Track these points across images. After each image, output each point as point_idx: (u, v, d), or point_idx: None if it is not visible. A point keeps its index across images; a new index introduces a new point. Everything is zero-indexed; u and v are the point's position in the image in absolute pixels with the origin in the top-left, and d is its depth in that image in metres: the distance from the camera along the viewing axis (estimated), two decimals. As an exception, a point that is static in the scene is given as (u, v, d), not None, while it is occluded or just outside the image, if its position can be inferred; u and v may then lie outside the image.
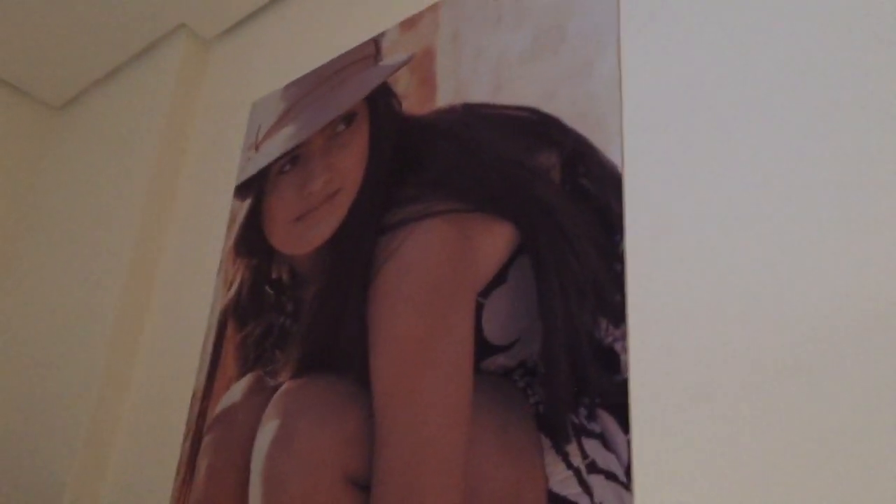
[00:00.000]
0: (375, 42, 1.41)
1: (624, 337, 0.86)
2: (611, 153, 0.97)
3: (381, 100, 1.32)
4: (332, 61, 1.48)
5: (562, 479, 0.85)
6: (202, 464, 1.28)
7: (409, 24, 1.36)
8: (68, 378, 1.60)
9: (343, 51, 1.48)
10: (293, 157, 1.42)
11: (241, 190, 1.51)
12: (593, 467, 0.83)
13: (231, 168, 1.61)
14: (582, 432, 0.85)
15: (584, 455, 0.84)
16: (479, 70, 1.19)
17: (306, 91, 1.49)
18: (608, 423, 0.84)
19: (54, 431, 1.54)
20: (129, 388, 1.56)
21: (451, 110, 1.20)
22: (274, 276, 1.35)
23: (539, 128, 1.06)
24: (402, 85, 1.30)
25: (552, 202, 1.00)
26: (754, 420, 0.74)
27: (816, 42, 0.85)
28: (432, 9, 1.33)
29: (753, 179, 0.84)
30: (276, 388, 1.22)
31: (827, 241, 0.76)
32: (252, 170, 1.51)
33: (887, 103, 0.77)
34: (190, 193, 1.70)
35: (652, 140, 0.94)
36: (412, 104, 1.26)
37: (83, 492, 1.45)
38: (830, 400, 0.71)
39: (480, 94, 1.17)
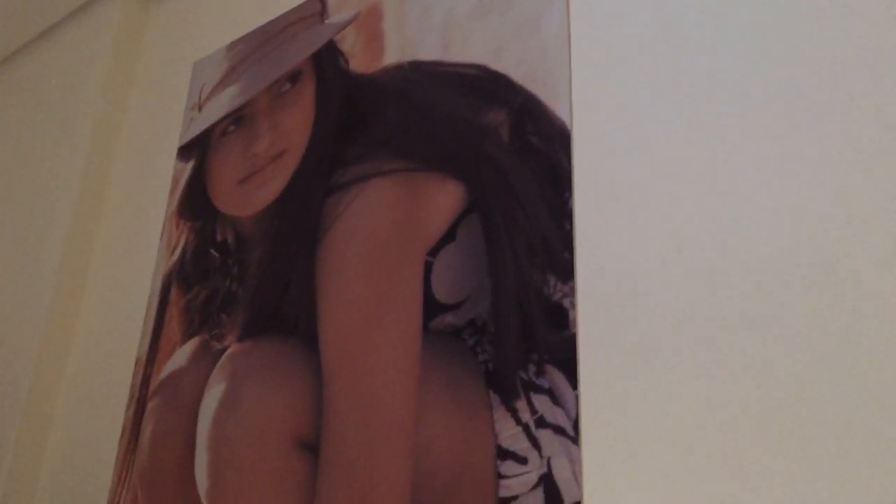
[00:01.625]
0: (321, 0, 1.38)
1: (572, 293, 0.86)
2: (559, 110, 0.96)
3: (328, 58, 1.29)
4: (277, 19, 1.44)
5: (511, 435, 0.85)
6: (146, 430, 1.26)
7: (356, -20, 1.33)
8: (6, 347, 1.55)
9: (288, 8, 1.45)
10: (237, 118, 1.39)
11: (184, 151, 1.48)
12: (542, 422, 0.83)
13: (173, 129, 1.56)
14: (531, 388, 0.85)
15: (533, 410, 0.84)
16: (426, 27, 1.17)
17: (250, 50, 1.45)
18: (557, 378, 0.84)
19: (-8, 401, 1.50)
20: (70, 356, 1.52)
21: (398, 68, 1.18)
22: (219, 238, 1.32)
23: (487, 85, 1.05)
24: (349, 43, 1.27)
25: (501, 160, 0.99)
26: (700, 374, 0.75)
27: (763, -3, 0.85)
28: (379, -35, 1.30)
29: (702, 135, 0.84)
30: (222, 352, 1.20)
31: (774, 196, 0.77)
32: (195, 131, 1.47)
33: (826, 62, 0.78)
34: (131, 156, 1.65)
35: (600, 96, 0.93)
36: (359, 62, 1.24)
37: (24, 463, 1.42)
38: (778, 353, 0.72)
39: (428, 51, 1.15)
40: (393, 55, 1.20)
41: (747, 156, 0.80)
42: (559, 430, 0.81)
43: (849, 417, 0.67)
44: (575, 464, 0.79)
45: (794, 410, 0.69)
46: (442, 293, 0.97)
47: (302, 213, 1.19)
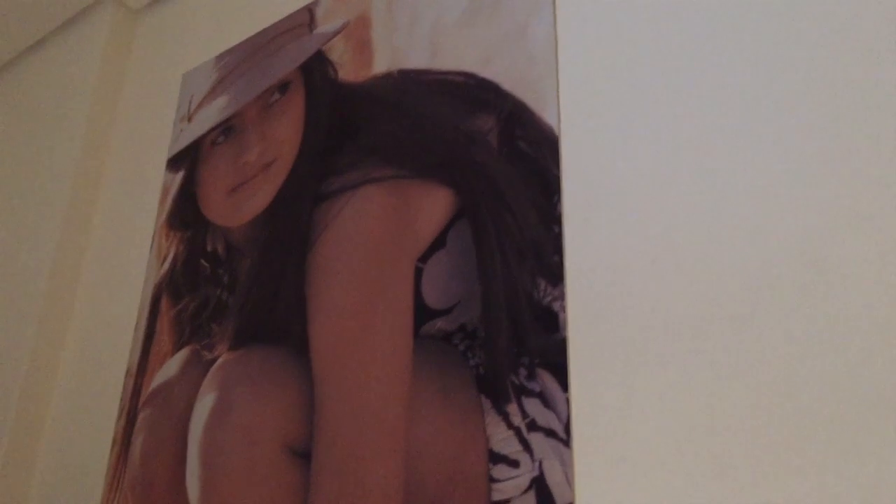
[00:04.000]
0: (309, 10, 1.38)
1: (562, 296, 0.87)
2: (547, 116, 0.97)
3: (316, 68, 1.30)
4: (266, 30, 1.44)
5: (503, 439, 0.85)
6: (137, 441, 1.25)
7: (344, -10, 1.34)
8: (-5, 359, 1.54)
9: (276, 19, 1.45)
10: (227, 128, 1.39)
11: (174, 162, 1.48)
12: (533, 425, 0.83)
13: (163, 140, 1.56)
14: (522, 392, 0.85)
15: (525, 414, 0.84)
16: (414, 36, 1.18)
17: (239, 61, 1.46)
18: (547, 381, 0.84)
19: (-19, 414, 1.49)
20: (60, 368, 1.51)
21: (387, 77, 1.19)
22: (209, 248, 1.32)
23: (476, 92, 1.06)
24: (338, 52, 1.28)
25: (490, 166, 0.99)
26: (691, 375, 0.76)
27: (757, 1, 0.86)
28: (367, -25, 1.31)
29: (688, 138, 0.85)
30: (212, 362, 1.20)
31: (761, 196, 0.78)
32: (184, 141, 1.47)
33: (811, 66, 0.79)
34: (120, 167, 1.65)
35: (588, 102, 0.94)
36: (348, 72, 1.25)
37: (14, 475, 1.41)
38: (767, 353, 0.72)
39: (417, 60, 1.16)
40: (382, 64, 1.20)
41: (734, 158, 0.81)
42: (550, 434, 0.82)
43: (840, 416, 0.67)
44: (566, 466, 0.79)
45: (785, 410, 0.70)
46: (432, 299, 0.97)
47: (292, 222, 1.19)
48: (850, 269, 0.70)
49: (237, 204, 1.30)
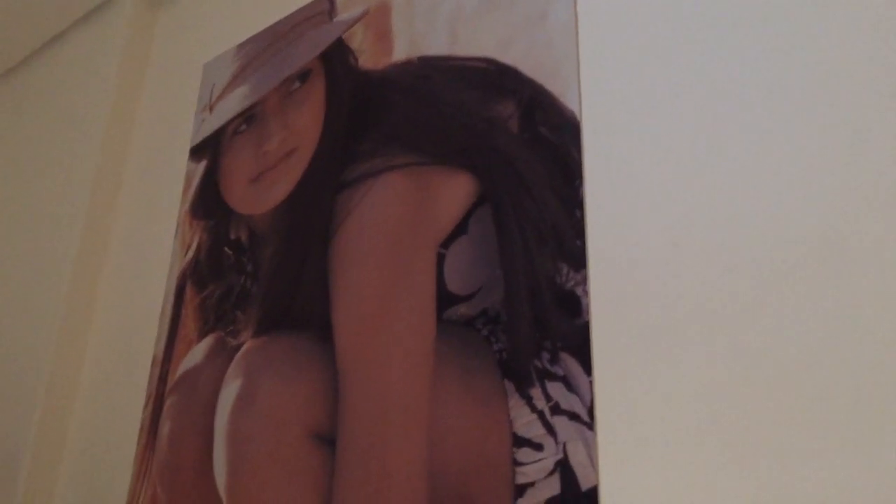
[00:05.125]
0: (329, -2, 1.39)
1: (585, 281, 0.87)
2: (568, 100, 0.97)
3: (337, 56, 1.30)
4: (286, 18, 1.45)
5: (526, 422, 0.85)
6: (164, 428, 1.27)
7: (363, -22, 1.34)
8: (23, 348, 1.57)
9: (296, 8, 1.46)
10: (248, 117, 1.40)
11: (196, 152, 1.49)
12: (557, 409, 0.84)
13: (185, 130, 1.58)
14: (545, 376, 0.86)
15: (548, 398, 0.85)
16: (434, 23, 1.18)
17: (259, 50, 1.46)
18: (571, 365, 0.84)
19: (10, 403, 1.52)
20: (86, 357, 1.53)
21: (407, 64, 1.19)
22: (232, 237, 1.33)
23: (496, 78, 1.06)
24: (358, 40, 1.28)
25: (511, 151, 1.00)
26: (713, 357, 0.76)
27: (769, -17, 0.85)
28: (386, -38, 1.31)
29: (710, 123, 0.84)
30: (237, 349, 1.21)
31: (782, 184, 0.77)
32: (207, 131, 1.48)
33: (839, 52, 0.78)
34: (143, 158, 1.67)
35: (609, 86, 0.94)
36: (368, 59, 1.25)
37: (43, 462, 1.43)
38: (788, 334, 0.72)
39: (436, 46, 1.16)
40: (402, 51, 1.21)
41: (756, 143, 0.80)
42: (574, 417, 0.82)
43: (860, 400, 0.67)
44: (590, 449, 0.80)
45: (807, 394, 0.70)
46: (455, 284, 0.98)
47: (314, 210, 1.20)
48: (871, 256, 0.70)
49: (259, 192, 1.31)
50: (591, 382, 0.82)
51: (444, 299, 0.98)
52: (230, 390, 1.18)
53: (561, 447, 0.82)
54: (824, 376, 0.69)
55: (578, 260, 0.88)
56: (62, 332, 1.52)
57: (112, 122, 1.70)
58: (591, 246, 0.88)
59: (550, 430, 0.83)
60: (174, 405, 1.27)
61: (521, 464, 0.84)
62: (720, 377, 0.75)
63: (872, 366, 0.67)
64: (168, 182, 1.55)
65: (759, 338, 0.74)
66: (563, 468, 0.81)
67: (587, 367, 0.83)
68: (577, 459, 0.80)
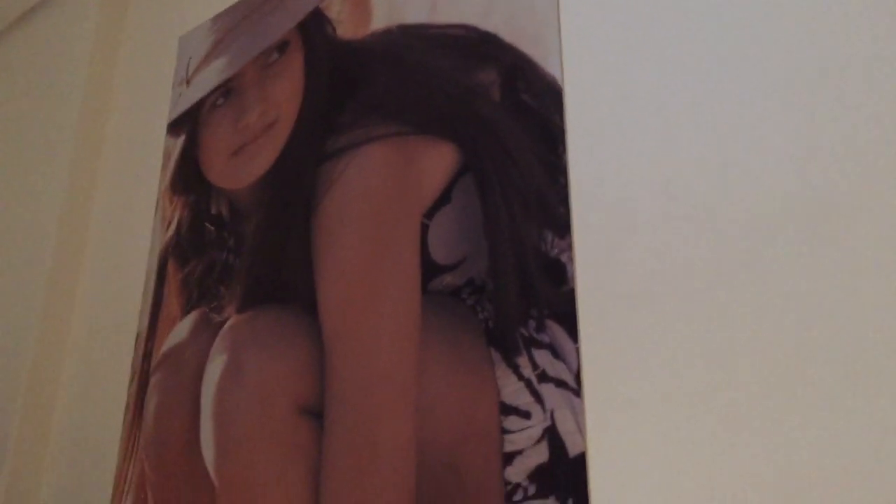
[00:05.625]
0: (305, -33, 1.36)
1: (569, 248, 0.86)
2: (550, 67, 0.96)
3: (314, 26, 1.28)
4: (262, -11, 1.43)
5: (513, 390, 0.85)
6: (151, 404, 1.26)
7: (340, -54, 1.32)
8: (6, 328, 1.55)
9: (272, -22, 1.43)
10: (226, 90, 1.38)
11: (174, 127, 1.47)
12: (544, 376, 0.84)
13: (162, 105, 1.55)
14: (532, 344, 0.86)
15: (535, 365, 0.85)
16: (413, -10, 1.16)
17: (236, 22, 1.44)
18: (557, 332, 0.84)
19: (-6, 383, 1.50)
20: (70, 335, 1.52)
21: (386, 32, 1.17)
22: (213, 211, 1.32)
23: (477, 45, 1.05)
24: (336, 10, 1.26)
25: (493, 119, 0.99)
26: (699, 322, 0.76)
27: (751, -57, 0.84)
28: (362, -71, 1.29)
29: (693, 86, 0.84)
30: (222, 324, 1.20)
31: (767, 138, 0.77)
32: (184, 105, 1.46)
33: (825, 9, 0.78)
34: (121, 134, 1.64)
35: (590, 51, 0.93)
36: (347, 29, 1.23)
37: (30, 441, 1.43)
38: (774, 297, 0.72)
39: (416, 14, 1.14)
40: (381, 20, 1.19)
41: (739, 102, 0.80)
42: (561, 384, 0.82)
43: (851, 361, 0.67)
44: (578, 416, 0.80)
45: (796, 356, 0.70)
46: (440, 254, 0.97)
47: (296, 182, 1.19)
48: (861, 211, 0.70)
49: (240, 166, 1.30)
50: (577, 349, 0.82)
51: (430, 269, 0.98)
52: (215, 365, 1.17)
53: (548, 414, 0.82)
54: (815, 336, 0.70)
55: (563, 227, 0.88)
56: (45, 313, 1.50)
57: (88, 98, 1.67)
58: (575, 213, 0.88)
59: (538, 398, 0.83)
60: (159, 382, 1.27)
61: (509, 432, 0.85)
62: (707, 340, 0.75)
63: (865, 323, 0.68)
64: (146, 158, 1.53)
65: (744, 302, 0.74)
66: (551, 435, 0.81)
67: (573, 335, 0.83)
68: (565, 426, 0.80)
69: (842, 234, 0.70)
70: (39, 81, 1.82)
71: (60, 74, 1.76)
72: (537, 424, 0.83)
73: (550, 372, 0.83)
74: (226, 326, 1.19)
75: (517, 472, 0.83)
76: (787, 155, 0.75)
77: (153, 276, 1.38)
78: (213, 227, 1.31)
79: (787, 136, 0.76)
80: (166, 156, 1.46)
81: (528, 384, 0.85)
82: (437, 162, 1.02)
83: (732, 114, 0.80)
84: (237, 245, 1.25)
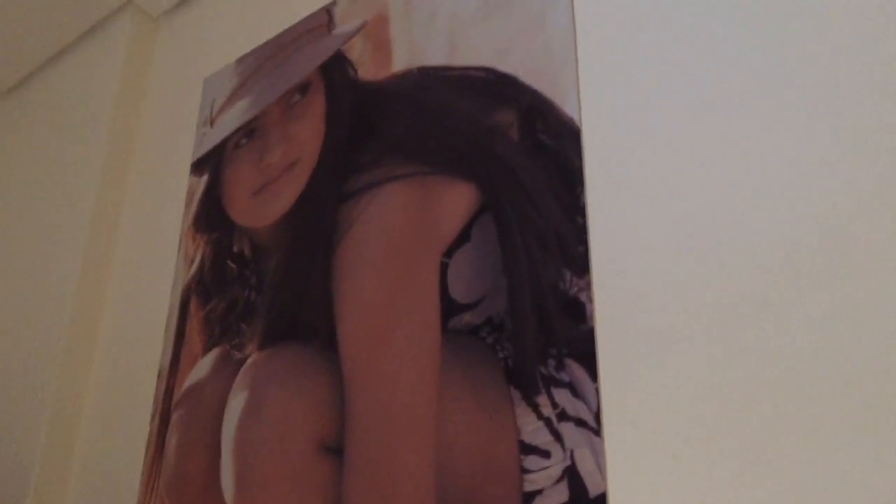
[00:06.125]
0: (328, 11, 1.39)
1: (588, 287, 0.87)
2: (568, 107, 0.97)
3: (336, 68, 1.31)
4: (285, 32, 1.46)
5: (533, 430, 0.85)
6: (172, 441, 1.27)
7: (361, -10, 1.35)
8: (30, 363, 1.57)
9: (295, 21, 1.47)
10: (249, 131, 1.40)
11: (198, 166, 1.49)
12: (563, 415, 0.84)
13: (186, 145, 1.58)
14: (551, 383, 0.86)
15: (555, 405, 0.85)
16: (432, 32, 1.18)
17: (259, 63, 1.47)
18: (577, 372, 0.84)
19: (17, 419, 1.52)
20: (92, 371, 1.54)
21: (406, 74, 1.19)
22: (235, 250, 1.34)
23: (495, 86, 1.06)
24: (357, 52, 1.29)
25: (512, 159, 1.00)
26: (718, 361, 0.76)
27: (766, -13, 0.86)
28: (383, -26, 1.32)
29: (711, 126, 0.85)
30: (243, 361, 1.21)
31: (783, 185, 0.78)
32: (208, 145, 1.49)
33: (834, 55, 0.79)
34: (145, 173, 1.67)
35: (608, 92, 0.94)
36: (368, 71, 1.26)
37: (52, 477, 1.44)
38: (793, 339, 0.72)
39: (435, 56, 1.16)
40: (401, 62, 1.21)
41: (756, 146, 0.80)
42: (581, 423, 0.82)
43: (865, 400, 0.67)
44: (598, 455, 0.80)
45: (814, 396, 0.70)
46: (459, 293, 0.98)
47: (316, 221, 1.20)
48: (875, 252, 0.70)
49: (262, 205, 1.32)
50: (597, 389, 0.82)
51: (449, 308, 0.98)
52: (236, 403, 1.18)
53: (568, 454, 0.82)
54: (829, 378, 0.69)
55: (581, 266, 0.88)
56: (68, 348, 1.52)
57: (113, 138, 1.70)
58: (593, 252, 0.88)
59: (558, 437, 0.83)
60: (181, 418, 1.27)
61: (529, 471, 0.84)
62: (726, 381, 0.75)
63: (880, 362, 0.67)
64: (170, 196, 1.56)
65: (763, 340, 0.74)
66: (571, 475, 0.81)
67: (593, 374, 0.83)
68: (585, 466, 0.80)
69: (857, 276, 0.70)
70: (67, 120, 1.86)
71: (87, 114, 1.80)
72: (557, 464, 0.82)
73: (570, 411, 0.83)
74: (247, 364, 1.20)
75: (537, 513, 0.83)
76: (810, 196, 0.76)
77: (176, 313, 1.39)
78: (235, 265, 1.32)
79: (809, 178, 0.76)
80: (190, 194, 1.49)
81: (548, 423, 0.85)
82: (456, 201, 1.03)
83: (752, 154, 0.81)
84: (259, 283, 1.26)
